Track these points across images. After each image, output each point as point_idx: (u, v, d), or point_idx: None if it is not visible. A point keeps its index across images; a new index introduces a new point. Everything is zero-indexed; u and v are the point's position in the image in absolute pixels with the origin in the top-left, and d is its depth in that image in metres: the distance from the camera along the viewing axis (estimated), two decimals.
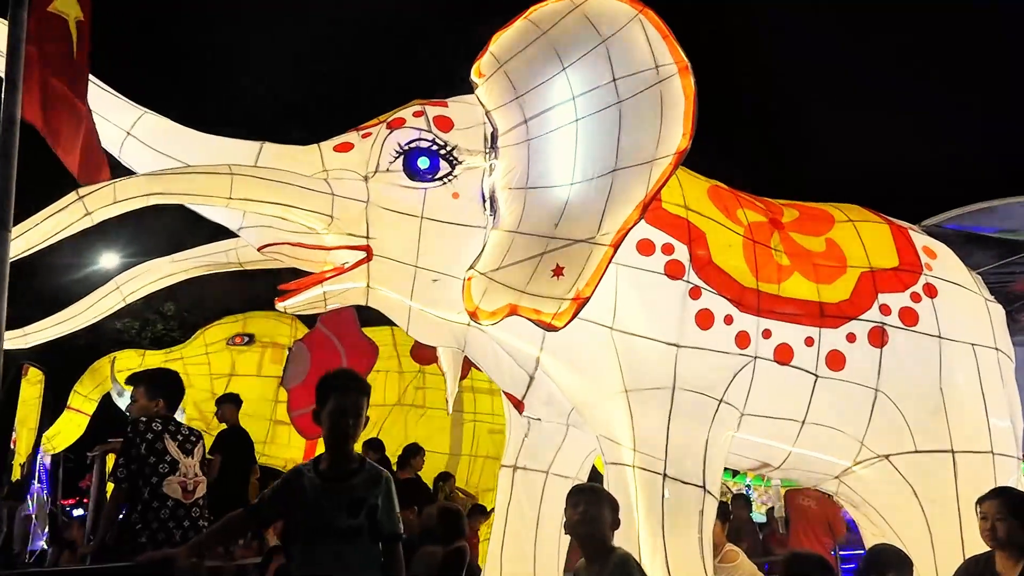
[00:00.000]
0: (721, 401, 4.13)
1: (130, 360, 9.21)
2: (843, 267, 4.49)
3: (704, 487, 4.02)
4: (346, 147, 4.26)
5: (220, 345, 9.17)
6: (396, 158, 4.16)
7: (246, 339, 9.16)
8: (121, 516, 4.56)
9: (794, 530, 6.81)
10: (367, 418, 3.10)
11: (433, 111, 4.27)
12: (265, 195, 3.95)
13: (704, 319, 4.14)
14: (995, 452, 4.43)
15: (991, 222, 6.27)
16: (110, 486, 4.90)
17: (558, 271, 3.75)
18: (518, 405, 4.50)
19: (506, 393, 4.55)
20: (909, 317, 4.45)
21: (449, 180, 4.17)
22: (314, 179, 4.09)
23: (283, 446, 8.83)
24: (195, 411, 8.73)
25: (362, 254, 4.16)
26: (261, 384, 8.92)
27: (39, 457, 9.63)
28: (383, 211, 4.13)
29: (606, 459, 4.17)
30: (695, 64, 3.76)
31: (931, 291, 4.54)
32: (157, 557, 3.16)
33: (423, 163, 4.16)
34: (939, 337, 4.46)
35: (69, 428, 9.22)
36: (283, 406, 8.45)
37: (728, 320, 4.19)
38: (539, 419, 4.53)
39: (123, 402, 8.83)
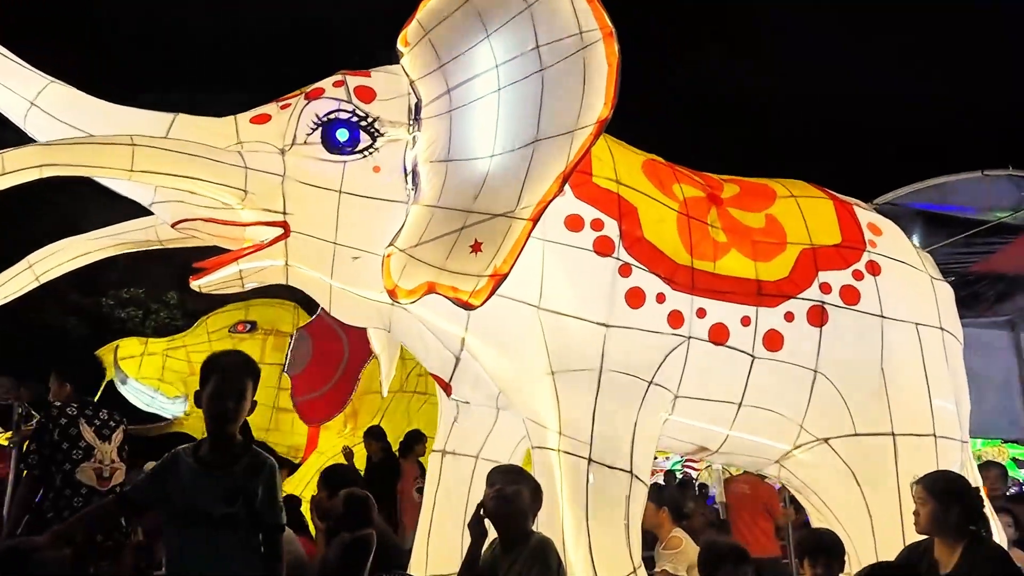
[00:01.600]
0: (651, 383, 3.98)
1: (133, 348, 9.34)
2: (783, 244, 4.32)
3: (631, 472, 3.87)
4: (263, 119, 4.07)
5: (222, 333, 9.26)
6: (314, 130, 3.98)
7: (248, 326, 9.24)
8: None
9: (733, 517, 6.69)
10: (254, 403, 2.93)
11: (355, 81, 4.08)
12: (171, 167, 3.76)
13: (635, 297, 3.98)
14: (937, 435, 4.28)
15: (943, 199, 6.12)
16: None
17: (476, 247, 3.57)
18: (446, 388, 4.34)
19: (433, 375, 4.39)
20: (850, 296, 4.29)
21: (370, 153, 3.99)
22: (226, 151, 3.89)
23: (287, 433, 8.92)
24: None
25: (279, 230, 3.99)
26: (263, 372, 8.81)
27: None
28: (300, 185, 3.95)
29: (532, 443, 4.02)
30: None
31: (874, 269, 4.38)
32: (17, 545, 2.98)
33: (342, 135, 3.98)
34: (881, 316, 4.30)
35: None
36: (286, 393, 8.45)
37: (660, 298, 4.03)
38: (468, 402, 4.37)
39: (126, 389, 9.12)
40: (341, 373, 8.39)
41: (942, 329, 4.46)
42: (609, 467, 3.83)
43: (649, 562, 4.85)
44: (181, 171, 3.78)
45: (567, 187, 4.01)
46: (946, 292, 4.66)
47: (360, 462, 7.85)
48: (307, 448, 9.09)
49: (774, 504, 6.49)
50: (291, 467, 8.59)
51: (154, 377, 9.20)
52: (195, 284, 4.05)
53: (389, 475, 7.33)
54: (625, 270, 3.99)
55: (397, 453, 7.62)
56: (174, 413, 9.34)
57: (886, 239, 4.54)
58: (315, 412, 8.42)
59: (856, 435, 4.25)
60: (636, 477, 3.88)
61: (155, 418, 9.43)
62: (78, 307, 14.94)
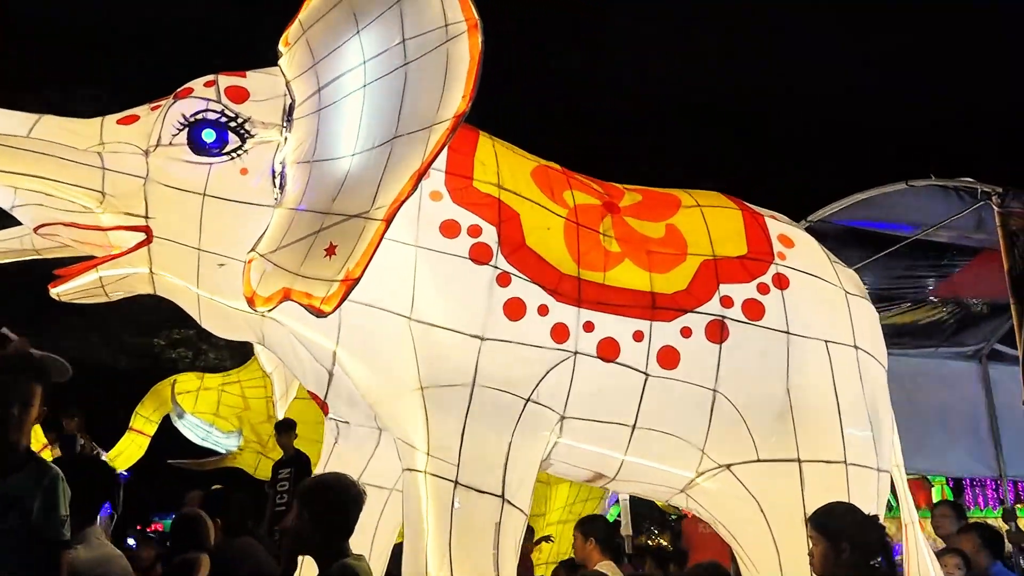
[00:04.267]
0: (529, 400, 3.70)
1: (190, 383, 9.56)
2: (682, 255, 4.05)
3: (503, 496, 3.57)
4: (131, 119, 3.89)
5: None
6: (180, 130, 3.79)
7: None
8: None
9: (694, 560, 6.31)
10: (44, 410, 2.69)
11: (227, 81, 3.90)
12: (20, 166, 3.58)
13: (514, 309, 3.72)
14: (849, 462, 3.95)
15: (869, 214, 5.83)
16: None
17: (331, 250, 3.35)
18: (322, 406, 4.08)
19: (310, 392, 4.13)
20: (754, 310, 4.00)
21: (238, 155, 3.79)
22: (83, 152, 3.71)
23: None
24: (252, 434, 9.12)
25: (141, 236, 3.79)
26: (315, 408, 8.92)
27: None
28: (163, 188, 3.75)
29: (402, 465, 3.73)
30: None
31: (781, 282, 4.09)
32: None
33: (208, 136, 3.79)
34: (787, 332, 4.00)
35: (131, 449, 9.47)
36: None
37: (543, 310, 3.76)
38: (347, 422, 4.10)
39: (182, 424, 9.41)
40: None
41: (856, 348, 4.14)
42: (477, 491, 3.54)
43: None
44: (31, 170, 3.60)
45: (444, 192, 3.82)
46: (865, 310, 4.34)
47: None
48: None
49: None
50: None
51: (209, 412, 9.35)
52: (54, 292, 3.86)
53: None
54: (504, 279, 3.73)
55: None
56: (228, 448, 9.48)
57: (798, 252, 4.25)
58: None
59: (759, 461, 3.93)
60: (509, 502, 3.58)
61: (209, 452, 9.63)
62: (131, 347, 15.45)
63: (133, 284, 3.92)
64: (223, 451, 9.52)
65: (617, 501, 8.22)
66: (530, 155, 4.19)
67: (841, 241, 5.55)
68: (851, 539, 3.18)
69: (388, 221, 3.25)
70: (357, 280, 3.24)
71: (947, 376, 7.47)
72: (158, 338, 15.78)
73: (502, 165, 3.95)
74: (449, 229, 3.74)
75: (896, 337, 7.29)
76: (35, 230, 3.85)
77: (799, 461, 3.91)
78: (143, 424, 9.56)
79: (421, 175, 3.26)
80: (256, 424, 9.16)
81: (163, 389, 9.62)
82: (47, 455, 8.15)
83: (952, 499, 8.17)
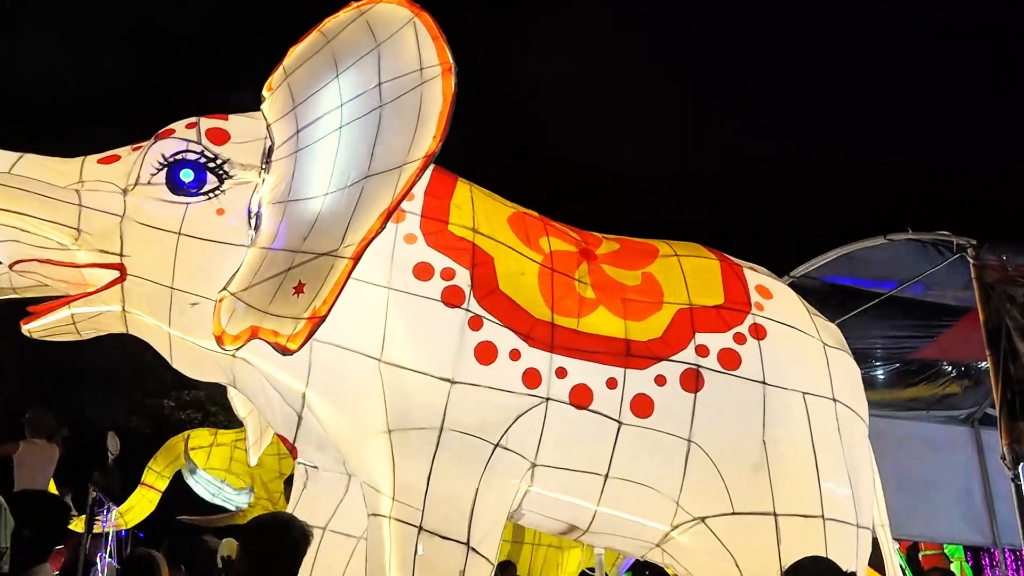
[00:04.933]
0: (498, 445, 3.63)
1: (203, 438, 9.58)
2: (658, 303, 4.03)
3: (468, 544, 3.48)
4: (111, 159, 3.93)
5: None
6: (159, 170, 3.82)
7: None
8: None
9: None
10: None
11: (208, 123, 3.94)
12: None
13: (485, 352, 3.69)
14: (826, 517, 3.85)
15: (852, 271, 5.81)
16: None
17: (299, 288, 3.34)
18: (291, 450, 4.02)
19: (279, 436, 4.07)
20: (730, 360, 3.96)
21: (215, 195, 3.81)
22: (61, 189, 3.74)
23: None
24: (263, 491, 9.08)
25: (115, 273, 3.79)
26: None
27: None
28: (139, 226, 3.77)
29: (368, 510, 3.66)
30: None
31: (759, 332, 4.05)
32: None
33: (186, 175, 3.81)
34: (763, 383, 3.95)
35: (142, 504, 9.47)
36: None
37: (514, 355, 3.73)
38: (316, 467, 4.03)
39: (194, 480, 9.43)
40: None
41: (835, 401, 4.08)
42: (442, 537, 3.46)
43: None
44: (5, 205, 3.62)
45: (419, 235, 3.83)
46: (845, 363, 4.29)
47: None
48: None
49: None
50: None
51: (222, 468, 9.35)
52: (25, 329, 3.85)
53: None
54: (475, 323, 3.71)
55: None
56: (239, 505, 9.41)
57: (776, 303, 4.22)
58: None
59: (735, 514, 3.84)
60: (474, 550, 3.49)
61: (219, 509, 9.60)
62: (142, 406, 15.68)
63: (105, 322, 3.91)
64: (233, 508, 9.43)
65: (631, 568, 8.04)
66: (509, 202, 4.21)
67: (824, 297, 5.52)
68: None
69: (356, 259, 3.25)
70: (323, 318, 3.22)
71: (939, 441, 7.35)
72: (168, 399, 16.02)
73: (478, 210, 3.96)
74: (422, 272, 3.74)
75: (887, 400, 7.23)
76: (11, 267, 3.84)
77: (775, 515, 3.81)
78: (155, 479, 9.56)
79: (390, 214, 3.27)
80: (267, 481, 9.11)
81: (176, 444, 9.60)
82: None
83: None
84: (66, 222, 3.69)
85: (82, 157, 3.96)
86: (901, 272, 5.79)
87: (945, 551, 8.85)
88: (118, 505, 9.19)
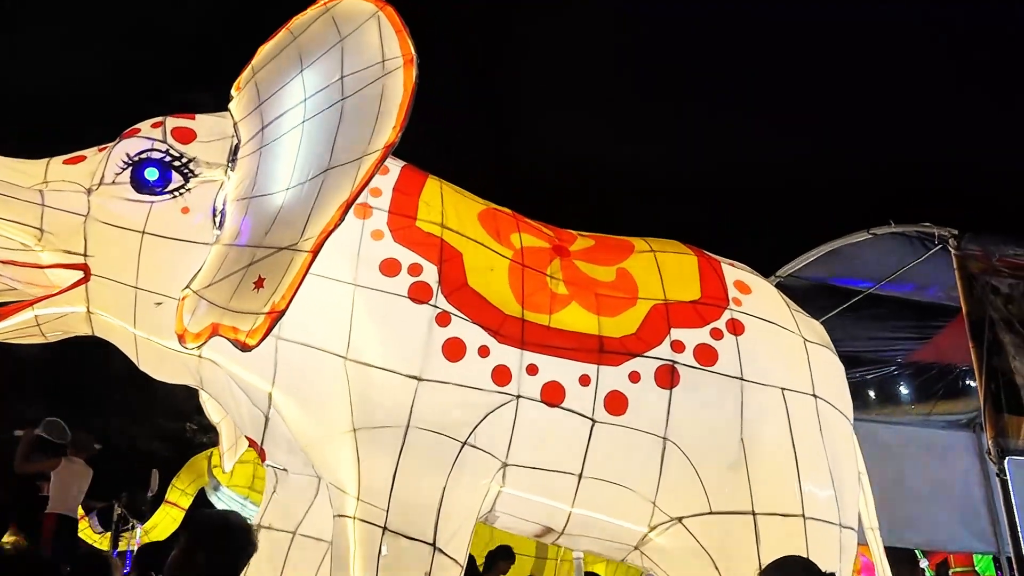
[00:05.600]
0: (466, 444, 3.55)
1: None
2: (632, 299, 3.94)
3: (434, 544, 3.39)
4: (77, 160, 3.90)
5: None
6: (123, 169, 3.78)
7: None
8: None
9: None
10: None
11: (174, 122, 3.91)
12: None
13: (453, 349, 3.61)
14: (807, 516, 3.74)
15: (839, 269, 5.69)
16: None
17: (259, 283, 3.28)
18: (260, 453, 3.94)
19: (248, 438, 4.00)
20: (706, 355, 3.86)
21: (180, 194, 3.77)
22: (23, 189, 3.70)
23: None
24: None
25: (79, 274, 3.74)
26: None
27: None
28: (103, 226, 3.73)
29: (333, 512, 3.57)
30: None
31: (736, 327, 3.96)
32: None
33: (151, 174, 3.77)
34: (740, 379, 3.85)
35: (166, 522, 9.54)
36: None
37: (483, 352, 3.65)
38: (285, 470, 3.95)
39: (217, 497, 9.48)
40: None
41: (816, 397, 3.97)
42: (407, 537, 3.37)
43: None
44: None
45: (386, 231, 3.77)
46: (827, 359, 4.18)
47: None
48: None
49: None
50: None
51: (244, 485, 9.36)
52: None
53: None
54: (443, 319, 3.63)
55: (481, 568, 7.20)
56: None
57: (755, 298, 4.12)
58: None
59: (712, 513, 3.73)
60: (440, 551, 3.40)
61: None
62: (164, 431, 15.88)
63: (70, 324, 3.85)
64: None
65: None
66: (480, 199, 4.14)
67: (811, 296, 5.42)
68: None
69: (315, 252, 3.19)
70: (282, 312, 3.15)
71: (939, 446, 7.19)
72: (191, 422, 16.10)
73: (447, 206, 3.90)
74: (389, 268, 3.67)
75: (885, 404, 7.10)
76: None
77: (754, 514, 3.70)
78: (178, 497, 9.61)
79: (349, 205, 3.21)
80: None
81: (199, 462, 9.65)
82: (83, 524, 8.24)
83: None
84: (28, 222, 3.65)
85: (48, 158, 3.93)
86: (887, 269, 5.68)
87: (976, 568, 8.59)
88: (142, 523, 9.21)
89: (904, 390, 7.07)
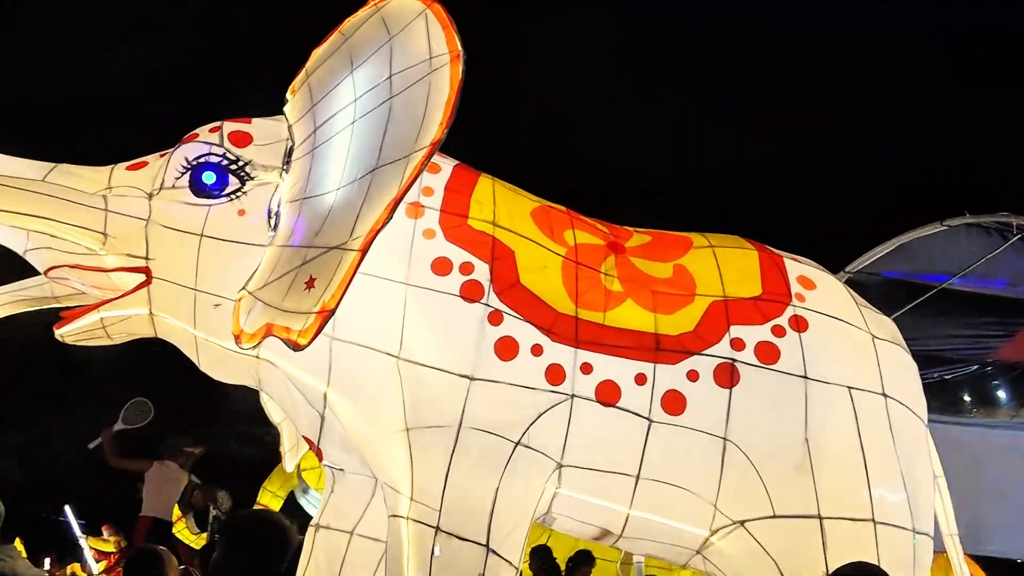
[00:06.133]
0: (519, 444, 3.50)
1: (315, 460, 9.83)
2: (690, 295, 3.84)
3: (487, 545, 3.35)
4: (139, 166, 4.00)
5: None
6: (183, 174, 3.86)
7: None
8: None
9: None
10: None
11: (231, 127, 3.98)
12: (24, 207, 3.68)
13: (505, 348, 3.57)
14: (877, 520, 3.57)
15: (912, 266, 5.42)
16: None
17: (310, 283, 3.29)
18: (317, 453, 3.96)
19: (305, 438, 4.03)
20: (768, 353, 3.73)
21: (237, 196, 3.83)
22: (88, 195, 3.81)
23: None
24: None
25: (142, 277, 3.83)
26: None
27: None
28: (163, 229, 3.81)
29: (388, 511, 3.56)
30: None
31: (799, 324, 3.81)
32: None
33: (208, 178, 3.84)
34: (804, 377, 3.70)
35: None
36: None
37: (536, 351, 3.59)
38: (342, 469, 3.96)
39: (306, 499, 9.56)
40: None
41: (885, 396, 3.80)
42: (459, 538, 3.33)
43: None
44: (34, 211, 3.70)
45: (438, 230, 3.76)
46: (897, 357, 3.99)
47: None
48: None
49: None
50: None
51: None
52: (58, 333, 3.93)
53: None
54: (495, 318, 3.59)
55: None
56: None
57: (819, 294, 3.97)
58: None
59: (776, 516, 3.59)
60: (494, 552, 3.36)
61: None
62: (249, 435, 15.95)
63: (134, 326, 3.95)
64: None
65: None
66: (535, 197, 4.09)
67: (884, 293, 5.20)
68: None
69: (364, 251, 3.18)
70: (332, 311, 3.16)
71: (1007, 449, 6.82)
72: (275, 428, 16.56)
73: (499, 204, 3.86)
74: (441, 266, 3.65)
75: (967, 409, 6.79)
76: (45, 273, 3.93)
77: (820, 518, 3.56)
78: (269, 499, 9.71)
79: (397, 204, 3.19)
80: None
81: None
82: (180, 525, 8.46)
83: None
84: (93, 226, 3.75)
85: (112, 165, 4.03)
86: (964, 262, 5.41)
87: None
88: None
89: (1000, 392, 6.71)
